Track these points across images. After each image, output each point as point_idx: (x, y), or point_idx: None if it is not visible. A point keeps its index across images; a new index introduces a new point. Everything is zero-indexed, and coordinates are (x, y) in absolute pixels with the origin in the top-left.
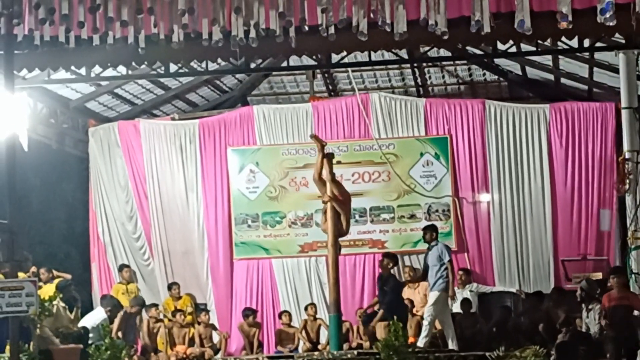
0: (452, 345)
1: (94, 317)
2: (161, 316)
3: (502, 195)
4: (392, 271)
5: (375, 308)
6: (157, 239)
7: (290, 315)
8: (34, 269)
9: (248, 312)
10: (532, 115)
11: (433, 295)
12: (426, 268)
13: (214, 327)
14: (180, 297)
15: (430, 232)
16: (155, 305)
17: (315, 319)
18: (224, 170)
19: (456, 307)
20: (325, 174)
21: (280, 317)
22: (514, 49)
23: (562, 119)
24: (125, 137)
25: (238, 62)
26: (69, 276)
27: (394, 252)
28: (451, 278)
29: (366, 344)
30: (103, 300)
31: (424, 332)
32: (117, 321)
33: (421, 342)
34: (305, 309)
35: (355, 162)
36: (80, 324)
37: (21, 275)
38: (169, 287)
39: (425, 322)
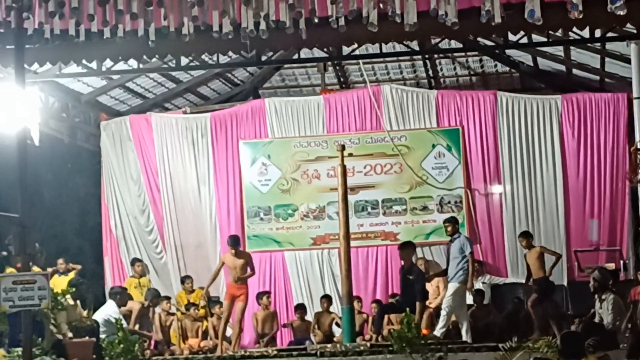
0: (465, 337)
1: (105, 311)
2: (173, 309)
3: (514, 187)
4: (413, 259)
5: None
6: (170, 233)
7: (304, 308)
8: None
9: (262, 294)
10: (544, 106)
11: (452, 287)
12: (448, 261)
13: None
14: (193, 291)
15: (453, 225)
16: (167, 298)
17: (329, 312)
18: (235, 163)
19: (469, 299)
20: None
21: (295, 311)
22: (525, 40)
23: (574, 110)
24: (137, 130)
25: (249, 55)
26: (79, 266)
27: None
28: (471, 270)
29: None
30: (112, 291)
31: (441, 322)
32: (134, 315)
33: (438, 332)
34: (321, 300)
35: (367, 154)
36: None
37: (35, 269)
38: (182, 281)
39: (443, 312)
